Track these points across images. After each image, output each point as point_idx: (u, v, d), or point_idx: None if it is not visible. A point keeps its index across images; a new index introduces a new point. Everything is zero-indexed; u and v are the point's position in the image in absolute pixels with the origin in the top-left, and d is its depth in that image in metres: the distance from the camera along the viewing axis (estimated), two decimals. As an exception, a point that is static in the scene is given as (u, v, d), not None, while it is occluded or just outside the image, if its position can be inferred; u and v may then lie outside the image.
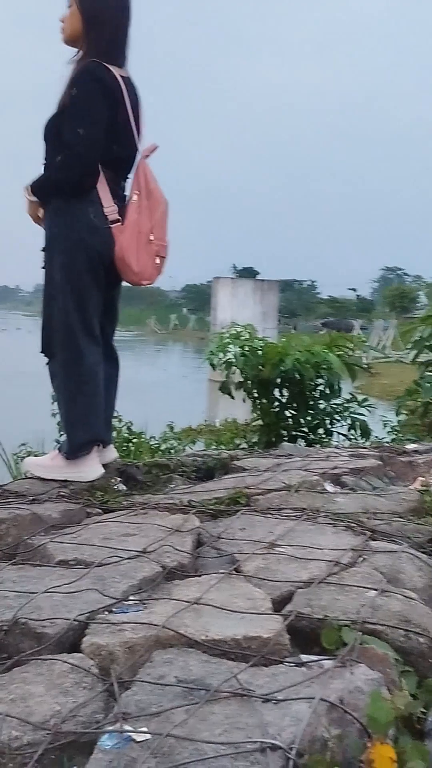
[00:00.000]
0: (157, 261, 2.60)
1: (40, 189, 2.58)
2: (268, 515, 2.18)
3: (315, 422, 5.06)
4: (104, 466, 2.73)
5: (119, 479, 2.89)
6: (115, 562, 1.72)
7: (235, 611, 1.45)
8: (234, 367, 4.96)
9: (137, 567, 1.69)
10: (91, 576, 1.62)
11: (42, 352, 2.67)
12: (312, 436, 5.05)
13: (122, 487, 2.85)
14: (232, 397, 5.11)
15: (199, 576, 1.70)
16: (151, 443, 5.69)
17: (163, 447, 5.81)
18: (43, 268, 2.62)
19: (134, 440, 5.15)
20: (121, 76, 2.54)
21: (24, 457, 5.51)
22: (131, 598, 1.54)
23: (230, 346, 5.11)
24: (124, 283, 2.74)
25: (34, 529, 2.02)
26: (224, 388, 5.04)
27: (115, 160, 2.56)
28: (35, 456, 5.17)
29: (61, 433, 3.15)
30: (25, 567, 1.72)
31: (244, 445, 5.51)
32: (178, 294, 68.18)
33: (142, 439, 5.32)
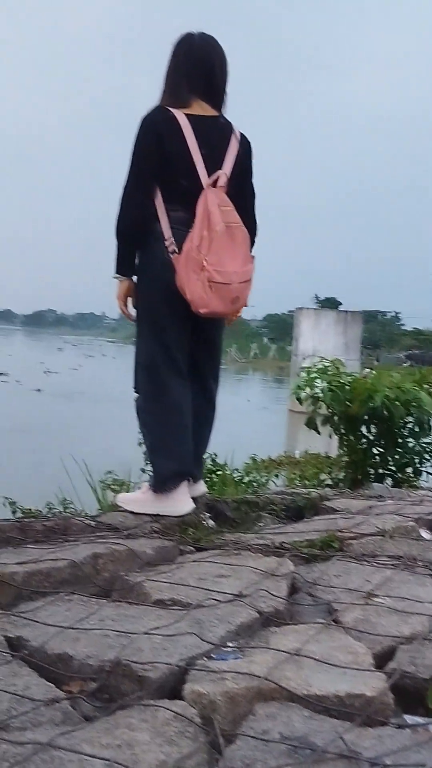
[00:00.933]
0: (213, 286, 2.50)
1: (117, 262, 2.67)
2: (364, 562, 2.13)
3: (403, 461, 4.95)
4: (194, 500, 2.75)
5: (208, 515, 2.90)
6: (212, 605, 1.71)
7: (336, 665, 1.42)
8: (321, 402, 4.92)
9: (234, 611, 1.68)
10: (188, 619, 1.62)
11: (134, 387, 2.74)
12: (400, 475, 4.94)
13: (211, 523, 2.85)
14: (318, 432, 5.06)
15: (296, 624, 1.67)
16: (234, 476, 5.69)
17: (246, 480, 5.80)
18: (134, 307, 2.71)
19: (218, 472, 5.15)
20: (187, 114, 2.59)
21: (110, 485, 5.63)
22: (229, 644, 1.53)
23: (317, 380, 5.08)
24: None
25: (129, 565, 2.04)
26: (310, 423, 5.00)
27: (185, 194, 2.58)
28: (126, 490, 5.28)
29: (147, 462, 3.18)
30: (123, 605, 1.74)
31: (329, 481, 5.44)
32: (259, 323, 68.44)
33: (226, 472, 5.32)
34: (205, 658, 1.44)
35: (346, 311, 27.30)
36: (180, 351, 2.67)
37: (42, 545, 2.21)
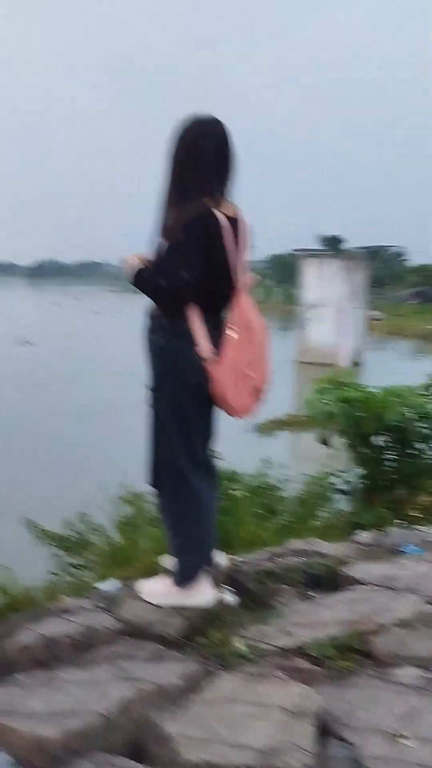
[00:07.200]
0: (255, 392, 2.63)
1: (139, 280, 2.55)
2: (388, 680, 2.16)
3: (419, 470, 4.97)
4: (214, 570, 2.81)
5: (229, 589, 2.92)
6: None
7: None
8: (333, 418, 4.90)
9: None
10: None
11: (149, 483, 2.74)
12: (416, 484, 4.96)
13: (232, 599, 2.87)
14: (332, 448, 5.07)
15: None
16: (250, 482, 5.68)
17: (259, 484, 5.80)
18: (151, 406, 2.67)
19: (235, 488, 5.08)
20: (226, 215, 2.54)
21: (128, 499, 5.69)
22: None
23: (329, 393, 5.05)
24: None
25: (159, 702, 2.06)
26: (322, 439, 5.00)
27: (214, 296, 2.58)
28: (141, 503, 5.32)
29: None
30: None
31: (342, 485, 5.43)
32: (263, 266, 67.60)
33: (239, 487, 5.26)
34: None
35: (350, 255, 26.95)
36: (202, 445, 2.70)
37: (69, 669, 2.25)
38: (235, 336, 2.54)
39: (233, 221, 2.59)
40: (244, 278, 2.62)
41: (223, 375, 2.51)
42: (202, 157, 2.54)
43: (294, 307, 29.64)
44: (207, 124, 2.57)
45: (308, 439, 6.56)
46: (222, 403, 2.58)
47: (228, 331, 2.55)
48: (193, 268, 2.48)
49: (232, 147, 2.59)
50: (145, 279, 2.56)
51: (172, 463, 2.63)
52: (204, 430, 2.72)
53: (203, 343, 2.52)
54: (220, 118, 2.59)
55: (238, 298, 2.58)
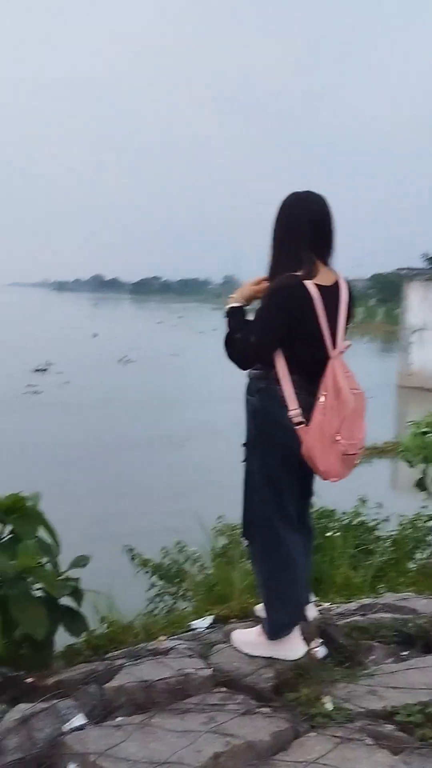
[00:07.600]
0: (345, 458, 2.67)
1: (229, 316, 2.77)
2: None
3: None
4: (305, 623, 2.88)
5: (320, 641, 2.98)
6: None
7: None
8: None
9: None
10: None
11: (243, 537, 2.87)
12: None
13: (322, 651, 2.92)
14: (430, 494, 5.02)
15: None
16: (343, 520, 5.69)
17: (355, 522, 5.81)
18: (243, 461, 2.81)
19: (330, 527, 5.10)
20: (317, 285, 2.63)
21: (222, 530, 5.84)
22: None
23: (428, 435, 5.01)
24: None
25: (247, 757, 2.16)
26: (420, 485, 4.97)
27: (307, 361, 2.66)
28: (235, 535, 5.45)
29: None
30: None
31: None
32: (365, 284, 66.71)
33: (334, 525, 5.30)
34: None
35: (457, 278, 26.15)
36: (293, 505, 2.79)
37: (165, 715, 2.39)
38: (324, 401, 2.62)
39: (331, 288, 2.68)
40: (339, 344, 2.69)
41: (311, 439, 2.60)
42: (294, 233, 2.66)
43: (397, 327, 28.98)
44: (301, 200, 2.69)
45: (405, 469, 6.49)
46: (312, 465, 2.66)
47: (319, 396, 2.63)
48: (265, 334, 2.66)
49: (328, 219, 2.70)
50: (230, 317, 2.78)
51: (265, 520, 2.74)
52: (298, 490, 2.81)
53: (293, 407, 2.63)
54: (317, 192, 2.71)
55: (331, 364, 2.65)
